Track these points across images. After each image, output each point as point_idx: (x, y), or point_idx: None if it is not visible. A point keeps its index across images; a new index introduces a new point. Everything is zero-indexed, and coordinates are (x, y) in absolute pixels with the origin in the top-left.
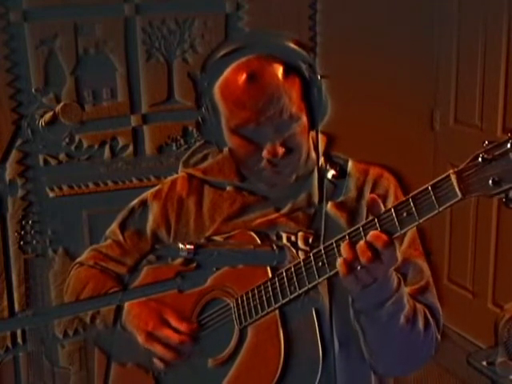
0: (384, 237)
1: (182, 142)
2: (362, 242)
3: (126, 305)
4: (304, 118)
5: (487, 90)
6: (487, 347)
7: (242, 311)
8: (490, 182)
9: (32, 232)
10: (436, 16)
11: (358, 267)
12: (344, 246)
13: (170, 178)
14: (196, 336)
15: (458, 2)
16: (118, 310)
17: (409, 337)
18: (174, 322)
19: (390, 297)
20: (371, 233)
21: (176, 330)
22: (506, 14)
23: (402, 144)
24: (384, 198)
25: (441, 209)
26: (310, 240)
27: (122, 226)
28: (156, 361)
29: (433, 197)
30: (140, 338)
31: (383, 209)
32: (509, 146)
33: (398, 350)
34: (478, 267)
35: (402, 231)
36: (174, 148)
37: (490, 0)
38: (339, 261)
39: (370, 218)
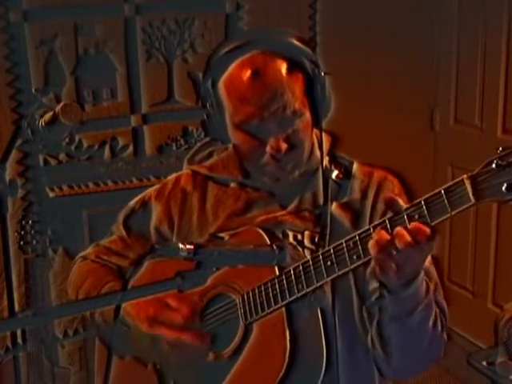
0: (426, 229)
1: (182, 142)
2: (400, 229)
3: None
4: (307, 114)
5: (487, 90)
6: (487, 347)
7: (247, 307)
8: (504, 187)
9: (32, 232)
10: (436, 16)
11: (394, 252)
12: (380, 231)
13: (174, 175)
14: (197, 310)
15: (458, 2)
16: (118, 307)
17: (432, 340)
18: (174, 304)
19: (421, 301)
20: (413, 223)
21: (178, 311)
22: (506, 14)
23: (402, 144)
24: None
25: (453, 213)
26: (316, 239)
27: (126, 222)
28: (164, 344)
29: (445, 201)
30: (143, 327)
31: (402, 205)
32: None
33: (418, 355)
34: (478, 267)
35: None
36: (174, 148)
37: (489, 0)
38: (371, 242)
39: (381, 219)
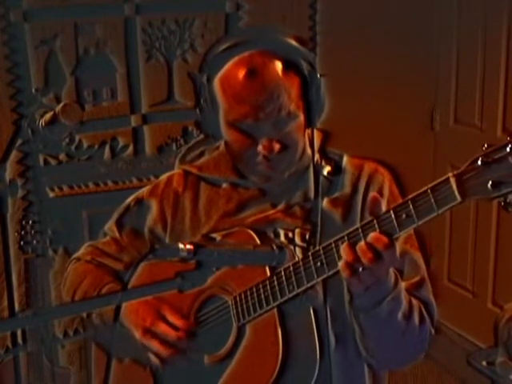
0: (384, 239)
1: (182, 142)
2: (362, 243)
3: None
4: (301, 116)
5: (487, 90)
6: (487, 347)
7: (240, 309)
8: (490, 185)
9: (32, 232)
10: (436, 16)
11: (360, 268)
12: (344, 248)
13: (166, 175)
14: (193, 332)
15: (458, 2)
16: (117, 308)
17: (405, 333)
18: (171, 318)
19: (388, 294)
20: (371, 235)
21: (173, 326)
22: (506, 14)
23: (401, 144)
24: (379, 193)
25: (440, 211)
26: (307, 236)
27: (119, 223)
28: (152, 356)
29: (432, 199)
30: (137, 334)
31: (383, 209)
32: (508, 149)
33: (394, 346)
34: (477, 267)
35: (401, 233)
36: (174, 148)
37: (489, 0)
38: (341, 264)
39: (369, 218)
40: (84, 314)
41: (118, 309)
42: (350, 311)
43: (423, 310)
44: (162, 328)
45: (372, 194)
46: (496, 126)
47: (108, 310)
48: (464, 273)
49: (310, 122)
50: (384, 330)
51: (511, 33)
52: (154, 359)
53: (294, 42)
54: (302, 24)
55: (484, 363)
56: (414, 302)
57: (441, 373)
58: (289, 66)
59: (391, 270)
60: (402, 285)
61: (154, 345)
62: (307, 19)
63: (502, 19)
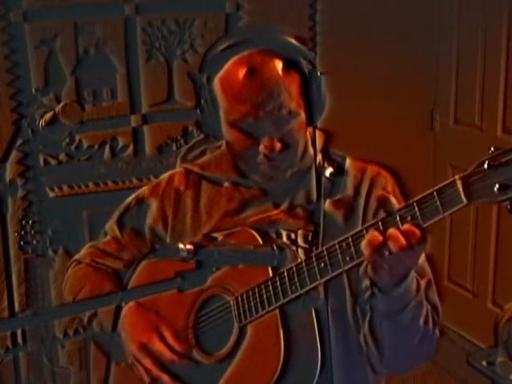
0: (418, 231)
1: (182, 142)
2: (393, 230)
3: (124, 309)
4: (302, 114)
5: (487, 90)
6: (487, 347)
7: (242, 309)
8: (496, 188)
9: (32, 232)
10: (436, 16)
11: (386, 253)
12: (372, 232)
13: (167, 174)
14: (189, 356)
15: (458, 2)
16: (117, 313)
17: (423, 338)
18: (169, 339)
19: (412, 299)
20: (405, 226)
21: (170, 348)
22: (506, 14)
23: (401, 144)
24: None
25: (445, 214)
26: (310, 237)
27: (120, 222)
28: (142, 372)
29: (438, 202)
30: (132, 348)
31: (395, 204)
32: None
33: (410, 351)
34: (477, 267)
35: None
36: (174, 148)
37: (490, 0)
38: (364, 242)
39: (374, 220)
40: (85, 322)
41: (116, 318)
42: (365, 320)
43: (434, 313)
44: (159, 347)
45: (379, 192)
46: (496, 126)
47: (107, 319)
48: (464, 273)
49: (310, 121)
50: (405, 336)
51: (511, 33)
52: (144, 375)
53: (293, 41)
54: (302, 24)
55: (484, 363)
56: (428, 306)
57: (441, 373)
58: (289, 64)
59: (413, 275)
60: (423, 289)
61: (147, 362)
62: (307, 19)
63: (502, 19)
